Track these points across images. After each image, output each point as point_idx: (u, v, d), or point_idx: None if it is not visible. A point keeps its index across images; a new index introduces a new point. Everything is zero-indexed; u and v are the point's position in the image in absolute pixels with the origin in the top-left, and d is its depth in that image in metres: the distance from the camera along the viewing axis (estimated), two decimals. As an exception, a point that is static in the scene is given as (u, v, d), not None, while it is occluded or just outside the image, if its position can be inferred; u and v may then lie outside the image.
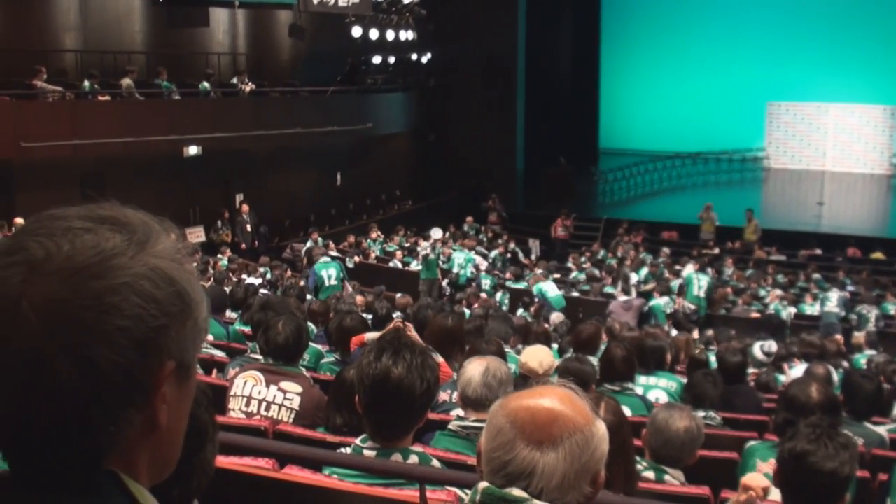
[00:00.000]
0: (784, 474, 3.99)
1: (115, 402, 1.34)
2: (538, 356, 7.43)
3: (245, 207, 26.27)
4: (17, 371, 1.30)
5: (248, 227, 26.17)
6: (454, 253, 25.32)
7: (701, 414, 7.24)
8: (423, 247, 23.22)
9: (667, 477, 4.98)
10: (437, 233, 26.30)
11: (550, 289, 21.05)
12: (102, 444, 1.37)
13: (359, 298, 16.60)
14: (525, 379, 7.25)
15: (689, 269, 21.96)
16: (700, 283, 20.99)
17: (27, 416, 1.32)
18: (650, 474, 4.96)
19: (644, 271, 23.07)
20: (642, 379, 8.72)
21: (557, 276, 24.76)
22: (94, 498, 1.36)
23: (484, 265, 25.36)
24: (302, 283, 19.26)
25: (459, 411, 5.59)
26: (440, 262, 23.26)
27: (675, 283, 22.24)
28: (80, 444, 1.35)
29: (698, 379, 7.69)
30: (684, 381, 9.07)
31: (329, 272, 19.20)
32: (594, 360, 8.49)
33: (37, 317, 1.29)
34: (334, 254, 22.95)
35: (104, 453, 1.38)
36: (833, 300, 20.74)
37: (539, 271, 23.01)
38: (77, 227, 1.36)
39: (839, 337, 17.52)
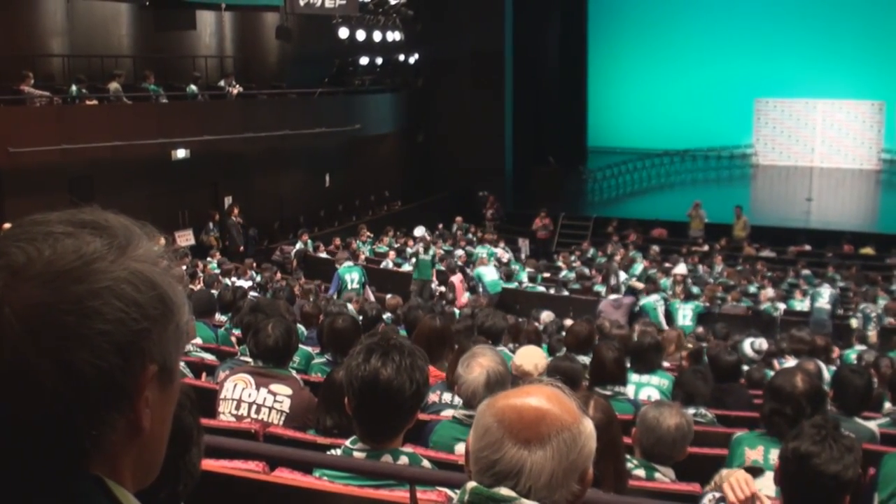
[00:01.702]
0: (786, 474, 3.96)
1: (97, 405, 1.35)
2: (533, 359, 7.42)
3: (236, 210, 26.24)
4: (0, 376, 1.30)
5: (240, 230, 26.22)
6: (477, 248, 26.08)
7: (691, 411, 7.25)
8: (414, 248, 23.21)
9: (657, 475, 4.98)
10: (419, 231, 26.36)
11: (488, 273, 21.98)
12: (85, 449, 1.37)
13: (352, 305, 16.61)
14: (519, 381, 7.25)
15: (676, 301, 21.24)
16: (684, 312, 20.45)
17: (9, 421, 1.32)
18: (640, 472, 4.96)
19: (639, 268, 22.88)
20: (635, 377, 8.70)
21: (547, 274, 24.80)
22: (78, 502, 1.36)
23: (506, 257, 25.62)
24: (296, 287, 19.35)
25: (450, 412, 5.59)
26: (434, 263, 23.24)
27: (666, 282, 22.22)
28: (62, 448, 1.35)
29: (688, 376, 7.68)
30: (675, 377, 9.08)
31: (352, 276, 20.04)
32: (586, 360, 8.48)
33: (18, 321, 1.30)
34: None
35: (88, 458, 1.38)
36: (825, 297, 20.69)
37: (483, 255, 24.19)
38: (58, 232, 1.37)
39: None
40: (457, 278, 22.04)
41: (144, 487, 1.51)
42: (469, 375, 5.15)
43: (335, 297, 18.19)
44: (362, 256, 24.36)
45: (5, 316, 1.30)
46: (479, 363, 5.17)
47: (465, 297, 21.55)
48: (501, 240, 28.91)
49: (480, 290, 21.66)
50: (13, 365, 1.30)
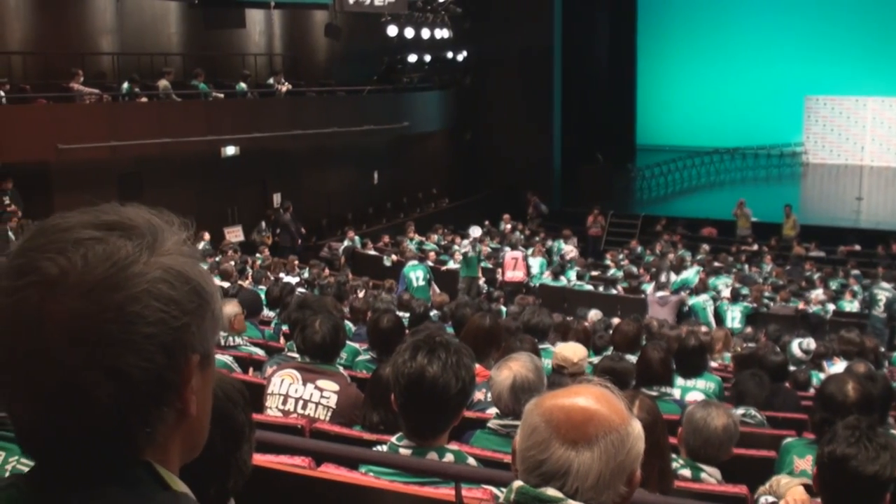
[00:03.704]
0: (824, 478, 3.93)
1: (149, 405, 1.39)
2: (572, 347, 7.69)
3: (290, 207, 26.46)
4: (51, 389, 1.33)
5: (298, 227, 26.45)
6: (555, 242, 27.24)
7: (741, 411, 7.22)
8: (463, 245, 23.25)
9: (703, 475, 4.95)
10: (475, 231, 26.43)
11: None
12: (140, 445, 1.41)
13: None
14: (560, 369, 7.36)
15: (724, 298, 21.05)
16: (733, 314, 20.21)
17: (64, 430, 1.36)
18: (686, 472, 4.93)
19: (695, 278, 22.39)
20: (680, 381, 8.62)
21: (595, 273, 24.77)
22: (132, 487, 1.39)
23: (573, 253, 26.05)
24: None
25: (493, 410, 5.59)
26: (480, 260, 23.32)
27: (715, 281, 22.07)
28: (118, 447, 1.39)
29: (744, 378, 7.62)
30: (721, 379, 9.03)
31: (417, 274, 20.59)
32: (633, 359, 8.45)
33: (63, 334, 1.32)
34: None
35: (141, 448, 1.42)
36: (881, 305, 20.26)
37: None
38: (86, 239, 1.38)
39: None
40: (510, 255, 22.17)
41: (195, 483, 1.54)
42: (498, 377, 5.16)
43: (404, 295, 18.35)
44: (409, 254, 24.43)
45: (49, 332, 1.32)
46: (509, 366, 5.17)
47: (509, 273, 21.75)
48: (549, 238, 28.94)
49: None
50: (65, 379, 1.33)
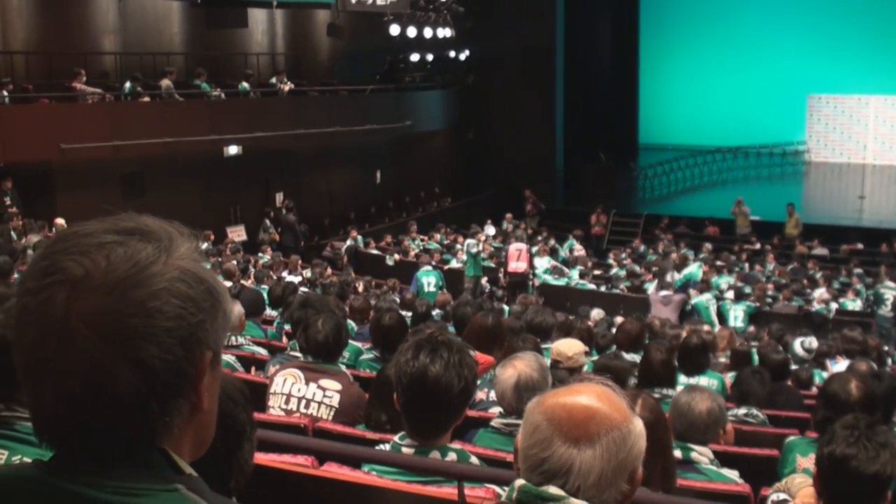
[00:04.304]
0: (824, 479, 3.91)
1: (168, 395, 1.49)
2: (568, 342, 7.94)
3: (293, 206, 26.48)
4: (78, 382, 1.43)
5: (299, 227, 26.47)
6: (568, 242, 27.74)
7: (743, 410, 7.24)
8: (470, 244, 23.20)
9: (693, 454, 4.96)
10: (490, 230, 26.45)
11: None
12: (158, 433, 1.51)
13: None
14: (556, 363, 7.53)
15: (729, 298, 20.91)
16: (736, 313, 20.04)
17: (89, 420, 1.46)
18: (677, 453, 4.93)
19: (698, 273, 22.37)
20: (682, 378, 8.62)
21: (598, 272, 24.75)
22: (149, 468, 1.48)
23: (581, 252, 26.70)
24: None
25: (495, 409, 5.60)
26: (483, 259, 23.37)
27: (717, 280, 22.04)
28: (137, 435, 1.48)
29: (746, 376, 7.63)
30: (723, 376, 9.04)
31: (429, 279, 20.69)
32: (636, 358, 8.46)
33: (90, 330, 1.42)
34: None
35: (158, 437, 1.51)
36: (888, 304, 20.15)
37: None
38: (108, 242, 1.48)
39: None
40: (514, 246, 22.18)
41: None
42: (503, 376, 5.17)
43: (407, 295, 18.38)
44: (412, 253, 24.42)
45: (76, 327, 1.42)
46: (514, 365, 5.17)
47: (512, 264, 21.78)
48: (552, 236, 28.94)
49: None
50: (91, 372, 1.43)
